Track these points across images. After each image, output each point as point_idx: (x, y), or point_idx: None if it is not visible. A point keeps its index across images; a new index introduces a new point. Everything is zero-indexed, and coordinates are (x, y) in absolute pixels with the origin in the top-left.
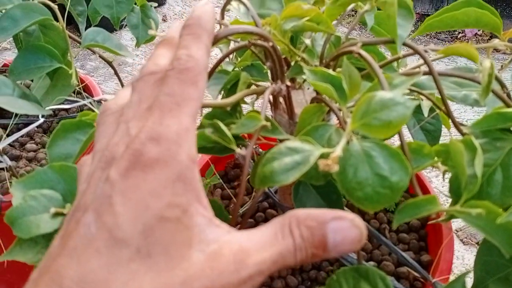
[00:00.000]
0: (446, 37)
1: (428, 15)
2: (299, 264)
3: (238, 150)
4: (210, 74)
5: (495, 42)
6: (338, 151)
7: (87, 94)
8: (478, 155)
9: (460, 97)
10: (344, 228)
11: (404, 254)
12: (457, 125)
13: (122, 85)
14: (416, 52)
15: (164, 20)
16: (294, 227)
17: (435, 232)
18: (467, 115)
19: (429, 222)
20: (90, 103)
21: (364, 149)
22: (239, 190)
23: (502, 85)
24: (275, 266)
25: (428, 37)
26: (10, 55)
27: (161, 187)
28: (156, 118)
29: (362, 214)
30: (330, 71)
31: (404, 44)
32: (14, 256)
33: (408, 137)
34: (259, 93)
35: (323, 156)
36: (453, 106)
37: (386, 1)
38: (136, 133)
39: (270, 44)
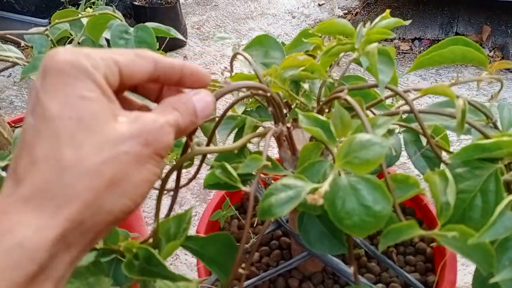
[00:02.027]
0: None
1: (438, 40)
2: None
3: (243, 188)
4: (220, 120)
5: (483, 75)
6: (325, 187)
7: None
8: (450, 185)
9: (452, 127)
10: (203, 97)
11: (409, 276)
12: (439, 156)
13: None
14: (397, 94)
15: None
16: (176, 105)
17: (441, 254)
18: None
19: (431, 245)
20: None
21: (350, 183)
22: (245, 222)
23: (488, 117)
24: (176, 127)
25: None
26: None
27: (71, 80)
28: None
29: (371, 238)
30: (320, 117)
31: (387, 88)
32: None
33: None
34: (263, 135)
35: (314, 190)
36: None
37: (368, 52)
38: None
39: (269, 94)
